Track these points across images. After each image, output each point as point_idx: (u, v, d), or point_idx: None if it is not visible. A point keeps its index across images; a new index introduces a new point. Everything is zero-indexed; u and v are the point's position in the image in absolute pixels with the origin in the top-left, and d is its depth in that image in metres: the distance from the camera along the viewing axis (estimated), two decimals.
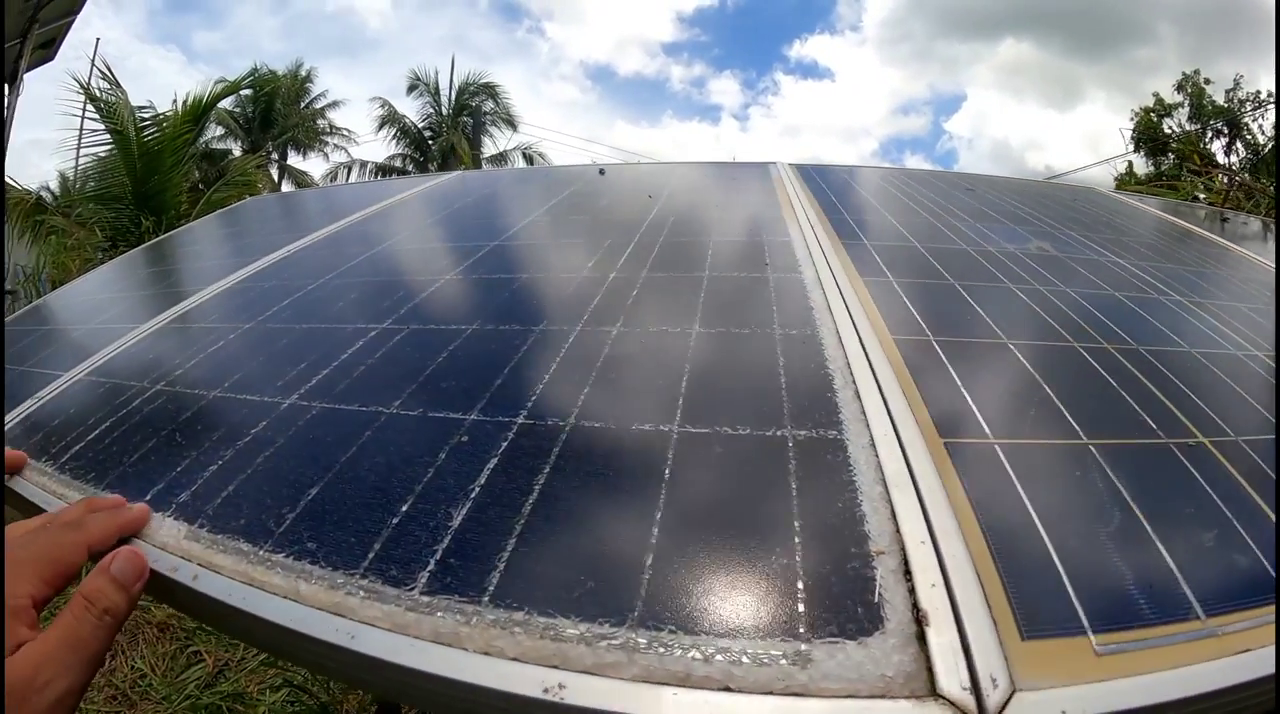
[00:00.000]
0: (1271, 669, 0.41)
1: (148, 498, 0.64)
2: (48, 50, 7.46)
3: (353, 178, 19.98)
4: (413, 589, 0.47)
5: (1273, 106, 11.41)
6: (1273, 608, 0.46)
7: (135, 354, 1.04)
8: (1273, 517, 0.55)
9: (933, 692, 0.38)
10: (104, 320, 1.35)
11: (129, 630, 2.38)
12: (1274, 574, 0.50)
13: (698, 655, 0.40)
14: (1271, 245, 1.93)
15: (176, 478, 0.67)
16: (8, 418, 0.91)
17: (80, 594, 0.51)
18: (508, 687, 0.40)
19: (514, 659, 0.41)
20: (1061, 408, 0.67)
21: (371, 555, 0.51)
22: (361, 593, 0.48)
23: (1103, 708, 0.38)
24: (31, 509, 0.71)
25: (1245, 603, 0.46)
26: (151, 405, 0.83)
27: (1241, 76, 11.98)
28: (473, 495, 0.56)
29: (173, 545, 0.58)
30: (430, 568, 0.49)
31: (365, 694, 2.12)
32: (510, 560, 0.49)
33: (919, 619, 0.42)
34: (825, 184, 1.78)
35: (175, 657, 2.32)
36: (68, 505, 0.64)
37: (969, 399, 0.67)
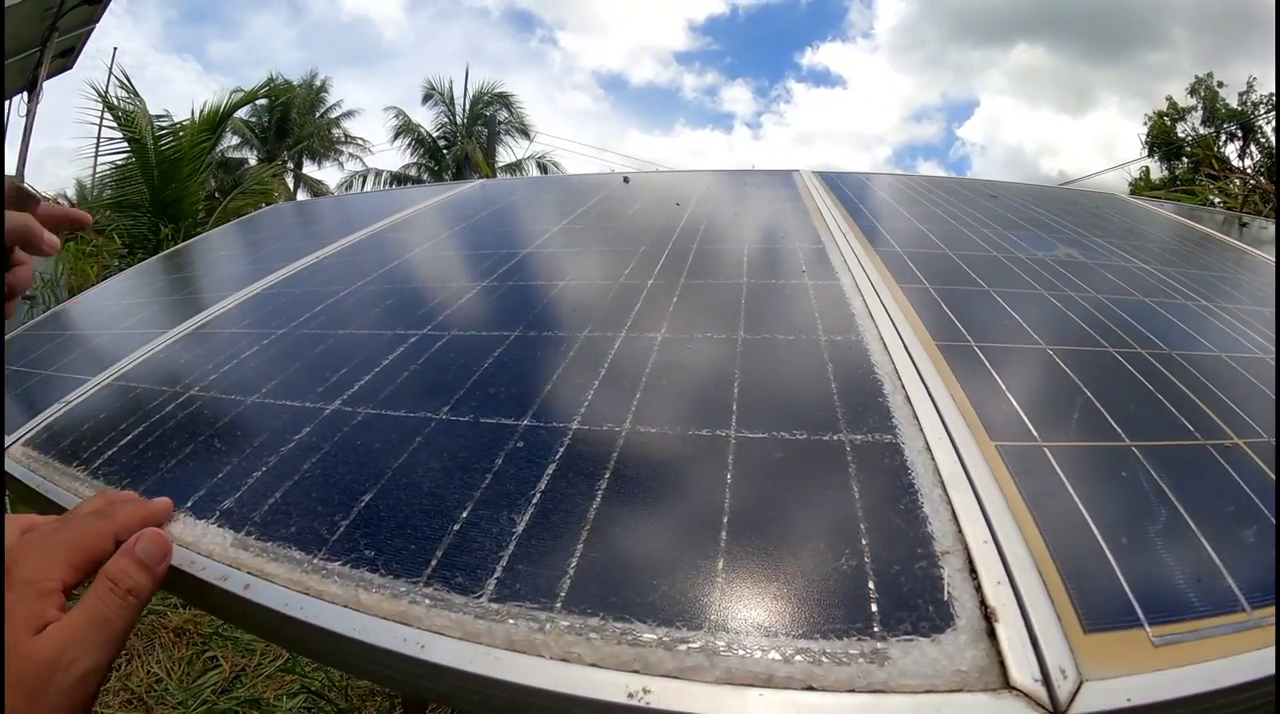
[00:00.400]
0: None
1: (189, 504, 0.64)
2: (66, 59, 7.51)
3: (368, 187, 20.10)
4: (480, 596, 0.47)
5: None
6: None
7: (164, 359, 1.05)
8: None
9: (1006, 684, 0.39)
10: (129, 326, 1.36)
11: (144, 634, 2.39)
12: (1276, 574, 0.51)
13: (777, 657, 0.41)
14: None
15: (219, 484, 0.67)
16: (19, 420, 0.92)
17: (104, 574, 0.53)
18: (591, 693, 0.40)
19: (593, 665, 0.42)
20: (1102, 411, 0.68)
21: (434, 563, 0.51)
22: (427, 601, 0.48)
23: (1164, 695, 0.39)
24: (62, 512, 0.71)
25: None
26: (186, 410, 0.84)
27: (1255, 79, 11.97)
28: (534, 501, 0.56)
29: (219, 554, 0.58)
30: (498, 574, 0.49)
31: (384, 699, 2.12)
32: (579, 566, 0.49)
33: (987, 615, 0.42)
34: (849, 191, 1.79)
35: (192, 661, 2.32)
36: (86, 499, 0.64)
37: (1015, 403, 0.68)
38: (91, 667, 0.49)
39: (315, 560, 0.54)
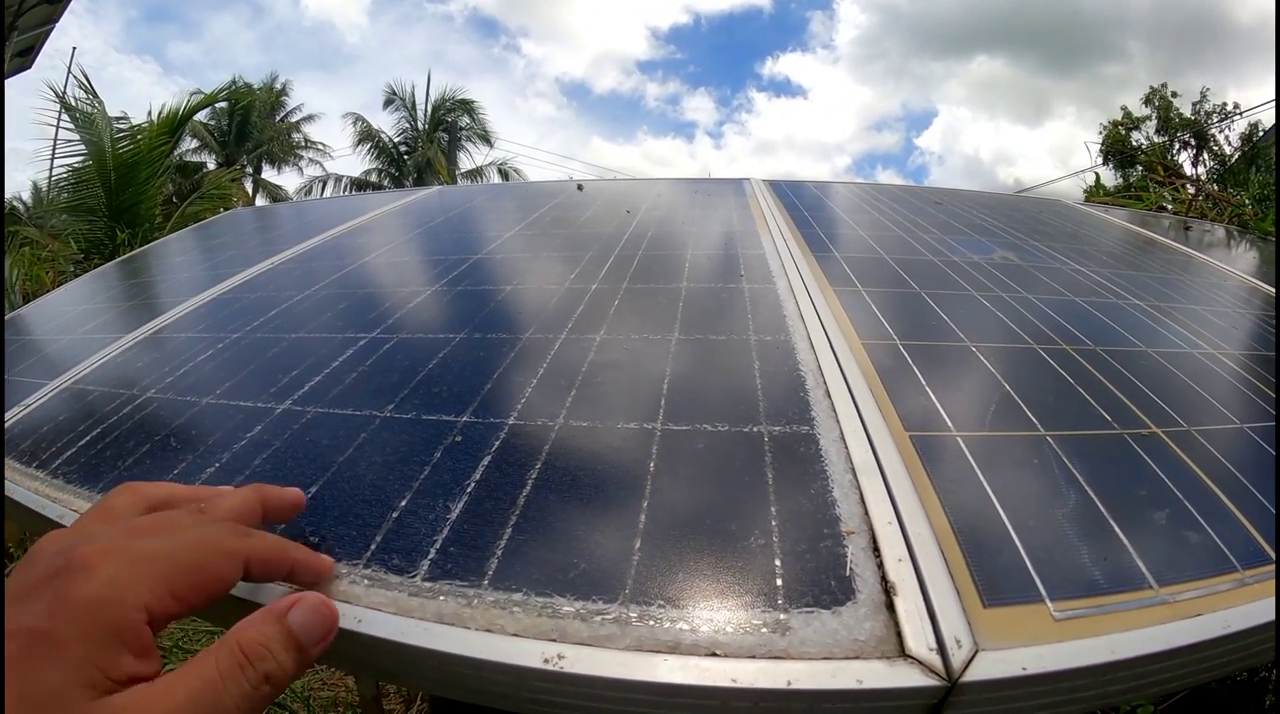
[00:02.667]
0: (1220, 632, 0.45)
1: None
2: (25, 59, 7.40)
3: (328, 192, 19.87)
4: (415, 576, 0.50)
5: (1238, 117, 11.64)
6: (1225, 576, 0.51)
7: (122, 363, 1.05)
8: (1222, 497, 0.60)
9: (902, 653, 0.41)
10: (87, 331, 1.35)
11: None
12: (1273, 554, 0.54)
13: (685, 627, 0.44)
14: (1234, 251, 1.99)
15: (174, 480, 0.68)
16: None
17: (237, 642, 0.38)
18: (510, 659, 0.42)
19: (514, 635, 0.44)
20: (1020, 404, 0.71)
21: (373, 547, 0.54)
22: (365, 581, 0.50)
23: (1061, 665, 0.41)
24: (21, 514, 0.71)
25: (1196, 574, 0.50)
26: (143, 412, 0.85)
27: (1208, 89, 12.24)
28: (469, 490, 0.59)
29: None
30: (431, 556, 0.52)
31: (346, 710, 2.12)
32: (507, 547, 0.52)
33: (887, 590, 0.46)
34: (797, 199, 1.83)
35: None
36: (226, 489, 0.52)
37: (933, 396, 0.71)
38: None
39: None
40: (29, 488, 0.75)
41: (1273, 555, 0.54)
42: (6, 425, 0.92)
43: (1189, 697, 1.73)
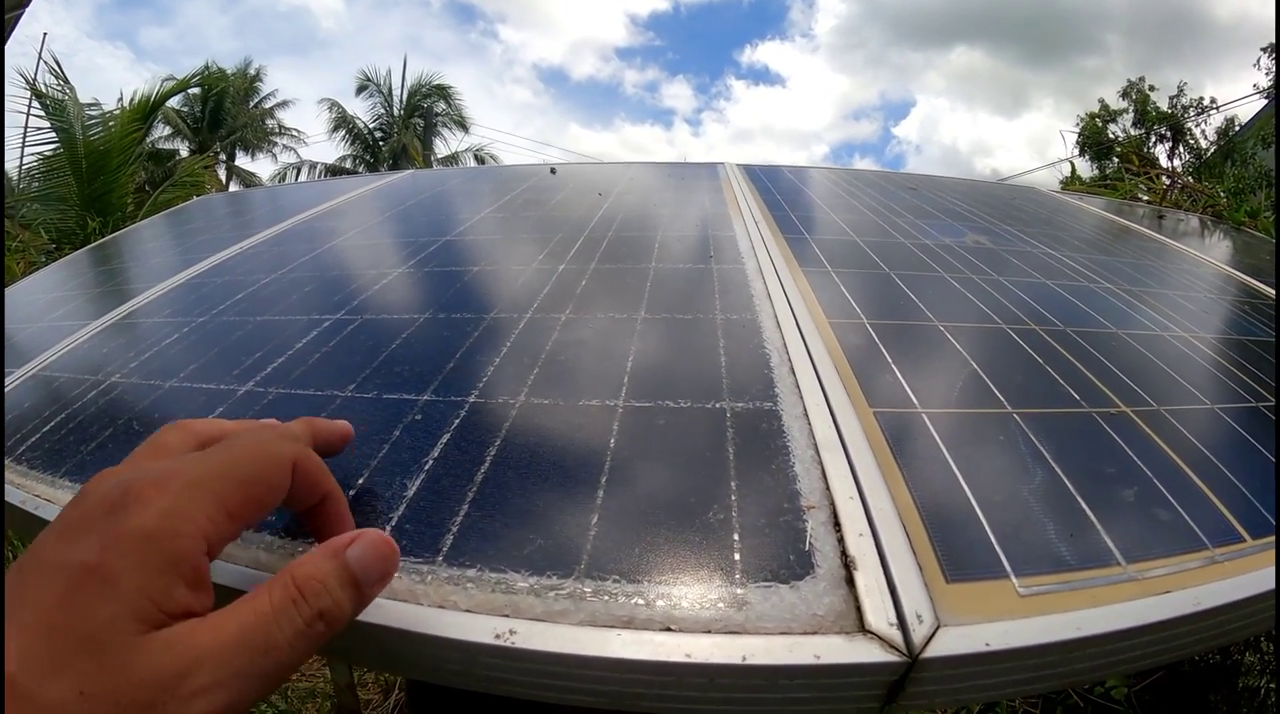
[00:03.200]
0: (1190, 609, 0.45)
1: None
2: None
3: (302, 179, 19.77)
4: None
5: (1215, 111, 11.76)
6: (1195, 554, 0.50)
7: (88, 350, 1.04)
8: (1192, 476, 0.60)
9: (861, 628, 0.41)
10: (53, 318, 1.34)
11: None
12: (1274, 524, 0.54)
13: (640, 602, 0.43)
14: (1208, 240, 2.00)
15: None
16: None
17: (291, 577, 0.36)
18: (462, 635, 0.42)
19: (467, 610, 0.43)
20: (988, 382, 0.71)
21: None
22: None
23: (1026, 641, 0.41)
24: None
25: (1165, 551, 0.50)
26: (107, 397, 0.84)
27: (1185, 84, 12.35)
28: (426, 468, 0.58)
29: None
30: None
31: (324, 701, 2.12)
32: (463, 524, 0.51)
33: (847, 565, 0.45)
34: (772, 184, 1.82)
35: None
36: (273, 421, 0.52)
37: (899, 374, 0.71)
38: (223, 707, 0.32)
39: None
40: None
41: (1245, 535, 0.53)
42: None
43: (1163, 679, 1.75)
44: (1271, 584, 0.48)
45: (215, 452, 0.39)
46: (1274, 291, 1.28)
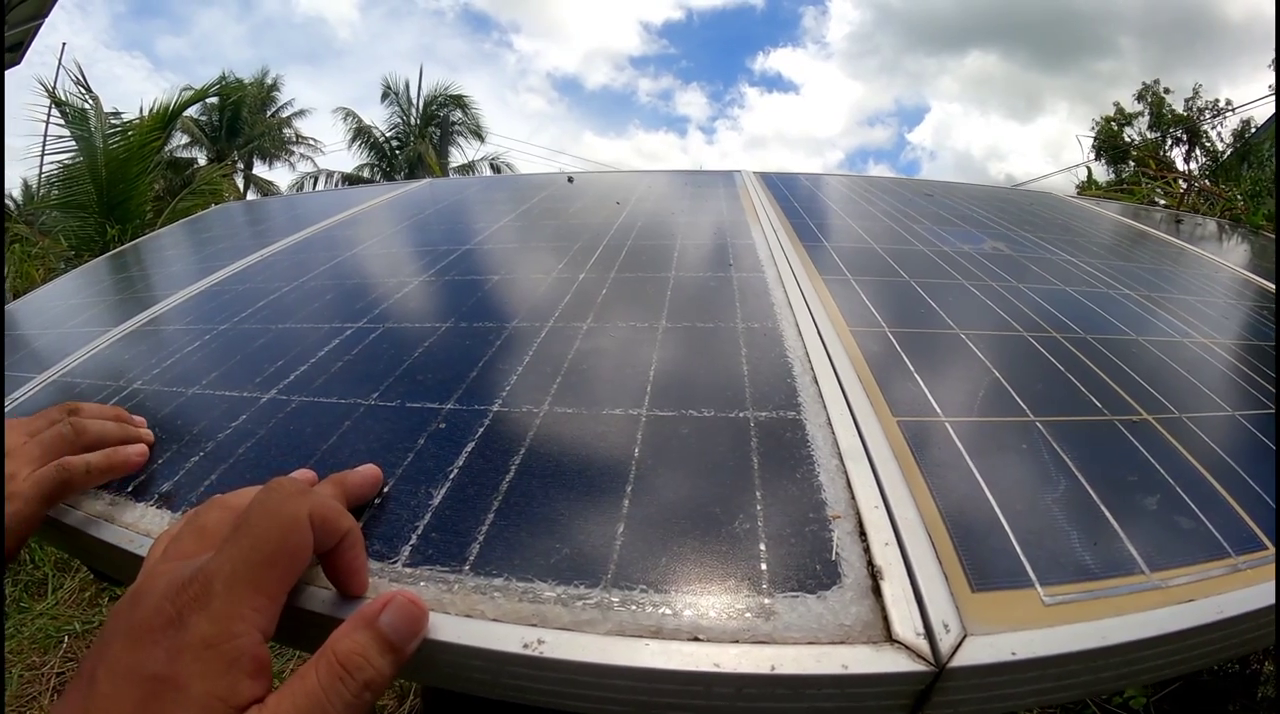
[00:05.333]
0: (1214, 618, 0.45)
1: (129, 489, 0.65)
2: (14, 54, 7.37)
3: (319, 188, 19.87)
4: (395, 562, 0.49)
5: (1231, 114, 11.69)
6: (1218, 561, 0.50)
7: (110, 356, 1.04)
8: (1214, 484, 0.59)
9: (889, 637, 0.41)
10: (75, 324, 1.35)
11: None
12: (1275, 534, 0.54)
13: (668, 611, 0.43)
14: (1226, 244, 1.99)
15: (158, 469, 0.68)
16: None
17: (334, 654, 0.39)
18: (489, 644, 0.42)
19: (494, 620, 0.44)
20: (1010, 390, 0.71)
21: None
22: None
23: (1052, 650, 0.41)
24: None
25: (1189, 559, 0.50)
26: (128, 403, 0.84)
27: (1200, 86, 12.32)
28: (451, 476, 0.58)
29: (157, 532, 0.58)
30: (412, 542, 0.51)
31: None
32: (489, 533, 0.51)
33: (874, 574, 0.45)
34: (788, 191, 1.82)
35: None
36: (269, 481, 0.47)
37: (921, 383, 0.71)
38: None
39: None
40: None
41: (1269, 543, 0.53)
42: None
43: (1181, 688, 1.73)
44: None
45: (239, 538, 0.41)
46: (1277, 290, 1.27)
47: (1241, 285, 1.38)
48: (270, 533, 0.41)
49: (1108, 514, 0.53)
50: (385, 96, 21.19)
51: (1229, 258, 1.69)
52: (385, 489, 0.58)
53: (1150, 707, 1.70)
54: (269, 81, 21.04)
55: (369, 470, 0.55)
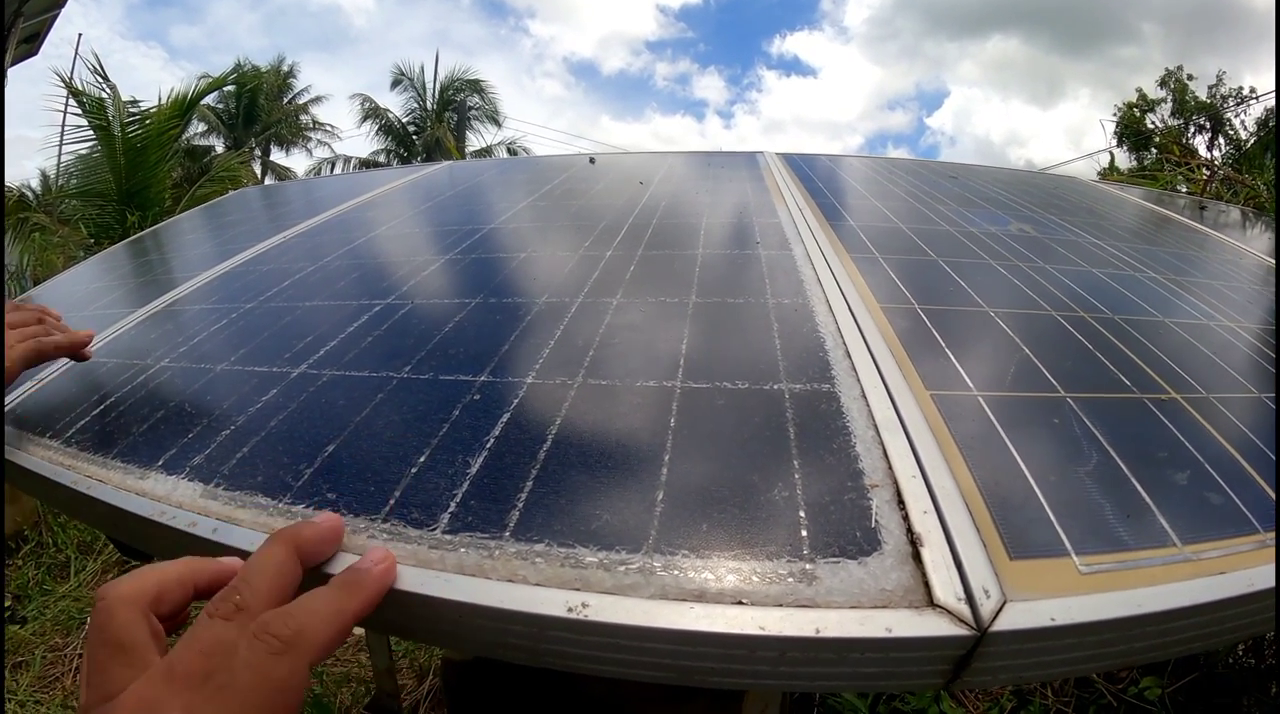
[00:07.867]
0: (1245, 590, 0.45)
1: (160, 463, 0.65)
2: (31, 45, 7.40)
3: (337, 173, 19.93)
4: (435, 529, 0.50)
5: (1254, 101, 11.59)
6: (1247, 537, 0.50)
7: (136, 336, 1.05)
8: (1243, 462, 0.59)
9: (930, 602, 0.41)
10: (98, 307, 1.35)
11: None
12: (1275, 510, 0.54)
13: (710, 576, 0.43)
14: (1250, 232, 1.97)
15: (189, 443, 0.68)
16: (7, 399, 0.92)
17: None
18: (533, 608, 0.42)
19: (537, 585, 0.44)
20: (1040, 366, 0.71)
21: (392, 502, 0.53)
22: (384, 535, 0.50)
23: (1088, 617, 0.41)
24: (35, 482, 0.72)
25: (1218, 534, 0.50)
26: (157, 380, 0.85)
27: (1224, 73, 12.22)
28: (488, 446, 0.58)
29: (189, 504, 0.59)
30: (451, 510, 0.51)
31: (359, 685, 2.13)
32: (528, 500, 0.52)
33: (913, 541, 0.45)
34: (811, 171, 1.82)
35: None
36: (249, 563, 0.43)
37: (953, 358, 0.71)
38: None
39: (280, 505, 0.56)
40: (42, 457, 0.74)
41: None
42: (21, 399, 0.92)
43: (1196, 680, 1.73)
44: None
45: (222, 697, 0.36)
46: None
47: (1267, 272, 1.37)
48: (260, 701, 0.36)
49: (1139, 487, 0.54)
50: (397, 83, 21.18)
51: (1253, 245, 1.68)
52: (422, 458, 0.58)
53: (1165, 698, 1.70)
54: (285, 69, 21.11)
55: (326, 523, 0.49)
